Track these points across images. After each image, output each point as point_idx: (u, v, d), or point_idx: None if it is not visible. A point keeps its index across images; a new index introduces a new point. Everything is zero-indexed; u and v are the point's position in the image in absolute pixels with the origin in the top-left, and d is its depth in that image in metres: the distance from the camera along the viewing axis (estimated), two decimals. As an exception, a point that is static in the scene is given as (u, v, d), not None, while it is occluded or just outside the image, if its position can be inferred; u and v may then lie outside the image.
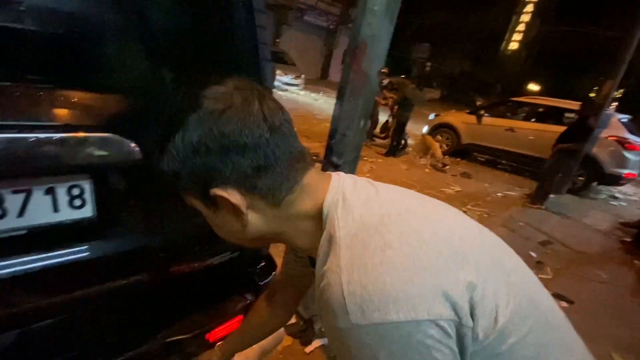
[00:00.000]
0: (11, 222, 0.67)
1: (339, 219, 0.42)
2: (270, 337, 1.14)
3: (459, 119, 7.04)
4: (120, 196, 0.80)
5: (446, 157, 6.85)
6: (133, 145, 0.72)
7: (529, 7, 26.89)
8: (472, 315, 0.38)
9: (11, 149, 0.60)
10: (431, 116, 7.62)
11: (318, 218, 0.45)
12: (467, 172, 5.91)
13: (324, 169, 1.54)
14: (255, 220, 0.45)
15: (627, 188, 6.57)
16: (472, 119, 6.78)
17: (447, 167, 6.07)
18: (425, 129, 7.44)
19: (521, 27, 27.64)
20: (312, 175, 0.46)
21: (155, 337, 0.94)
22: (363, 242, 0.39)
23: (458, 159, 6.92)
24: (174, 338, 0.96)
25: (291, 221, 0.47)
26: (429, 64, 20.93)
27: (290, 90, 11.67)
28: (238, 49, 0.94)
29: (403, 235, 0.39)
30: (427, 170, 5.78)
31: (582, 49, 19.22)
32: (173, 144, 0.40)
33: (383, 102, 6.40)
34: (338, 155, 1.44)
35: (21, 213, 0.68)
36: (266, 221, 0.46)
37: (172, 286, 1.03)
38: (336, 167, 1.46)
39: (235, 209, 0.43)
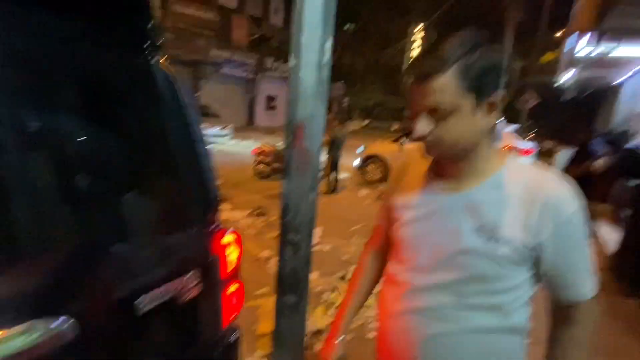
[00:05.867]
0: None
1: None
2: None
3: (384, 148, 7.64)
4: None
5: (380, 184, 7.29)
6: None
7: (415, 45, 31.89)
8: None
9: None
10: (360, 149, 8.14)
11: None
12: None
13: (282, 247, 1.49)
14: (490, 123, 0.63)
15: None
16: (395, 147, 7.42)
17: (384, 195, 6.43)
18: (356, 161, 7.89)
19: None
20: None
21: None
22: None
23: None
24: None
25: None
26: (345, 99, 22.75)
27: (219, 142, 11.44)
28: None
29: None
30: (367, 202, 6.05)
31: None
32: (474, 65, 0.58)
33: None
34: (294, 232, 1.42)
35: None
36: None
37: None
38: (294, 244, 1.43)
39: (494, 111, 0.62)
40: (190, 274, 0.88)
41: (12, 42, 0.63)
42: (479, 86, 0.59)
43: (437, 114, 0.60)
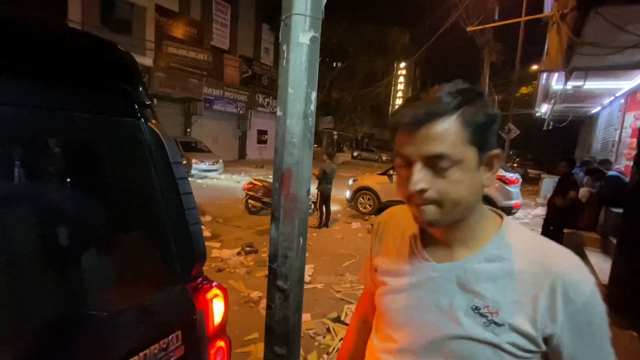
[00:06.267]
0: None
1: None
2: None
3: (374, 180, 7.73)
4: None
5: (372, 216, 7.30)
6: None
7: (401, 79, 33.62)
8: None
9: None
10: (350, 181, 8.22)
11: None
12: (394, 229, 6.30)
13: (270, 294, 1.45)
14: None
15: (518, 214, 7.84)
16: (385, 179, 7.52)
17: (376, 227, 6.40)
18: (347, 193, 7.93)
19: (399, 94, 33.95)
20: None
21: None
22: None
23: (383, 217, 7.40)
24: None
25: None
26: (335, 132, 23.36)
27: (210, 176, 11.43)
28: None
29: None
30: (360, 235, 6.00)
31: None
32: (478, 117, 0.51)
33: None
34: (283, 279, 1.39)
35: None
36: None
37: None
38: (283, 292, 1.40)
39: (494, 167, 0.55)
40: (174, 334, 0.85)
41: (6, 111, 0.65)
42: (480, 139, 0.52)
43: (438, 165, 0.51)
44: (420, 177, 0.51)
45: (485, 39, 8.50)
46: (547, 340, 0.52)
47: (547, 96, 8.98)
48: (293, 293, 1.42)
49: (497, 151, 0.55)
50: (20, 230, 0.68)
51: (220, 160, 11.97)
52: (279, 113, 1.35)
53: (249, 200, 6.71)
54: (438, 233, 0.60)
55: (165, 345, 0.82)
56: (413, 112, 0.52)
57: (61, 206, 0.71)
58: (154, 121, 0.90)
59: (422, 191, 0.52)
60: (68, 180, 0.73)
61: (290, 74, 1.29)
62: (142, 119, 0.86)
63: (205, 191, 8.83)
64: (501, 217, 0.60)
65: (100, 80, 0.79)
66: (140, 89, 0.85)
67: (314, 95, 1.34)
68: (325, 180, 6.30)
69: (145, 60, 12.66)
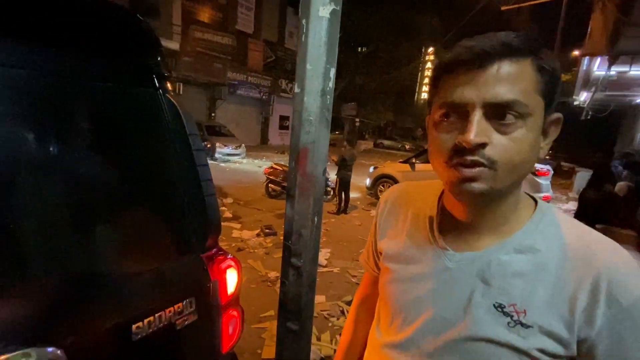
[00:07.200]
0: None
1: None
2: None
3: (395, 168, 7.59)
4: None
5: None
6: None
7: (428, 65, 32.41)
8: None
9: None
10: (371, 169, 8.13)
11: None
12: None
13: (284, 271, 1.47)
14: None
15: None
16: (407, 167, 7.36)
17: (396, 216, 6.33)
18: (367, 181, 7.86)
19: (426, 80, 32.85)
20: None
21: None
22: None
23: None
24: None
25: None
26: (357, 119, 23.07)
27: (233, 160, 11.65)
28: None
29: None
30: (378, 222, 5.96)
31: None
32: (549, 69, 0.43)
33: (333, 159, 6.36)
34: (297, 256, 1.40)
35: None
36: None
37: None
38: (297, 269, 1.41)
39: (550, 134, 0.47)
40: (188, 300, 0.88)
41: (29, 78, 0.68)
42: (550, 93, 0.44)
43: (502, 117, 0.42)
44: (481, 128, 0.42)
45: (522, 20, 7.97)
46: (581, 347, 0.45)
47: (588, 83, 8.37)
48: (306, 271, 1.43)
49: (559, 115, 0.46)
50: (41, 196, 0.71)
51: (243, 145, 12.14)
52: (296, 90, 1.33)
53: (269, 184, 6.81)
54: (463, 214, 0.51)
55: (179, 310, 0.85)
56: (481, 45, 0.42)
57: (80, 172, 0.74)
58: (172, 93, 0.91)
59: (482, 146, 0.42)
60: (86, 147, 0.75)
61: (309, 50, 1.27)
62: (160, 90, 0.88)
63: (227, 174, 9.03)
64: (535, 200, 0.52)
65: (117, 49, 0.80)
66: (159, 59, 0.86)
67: (332, 71, 1.31)
68: (344, 166, 6.26)
69: (172, 45, 12.89)
